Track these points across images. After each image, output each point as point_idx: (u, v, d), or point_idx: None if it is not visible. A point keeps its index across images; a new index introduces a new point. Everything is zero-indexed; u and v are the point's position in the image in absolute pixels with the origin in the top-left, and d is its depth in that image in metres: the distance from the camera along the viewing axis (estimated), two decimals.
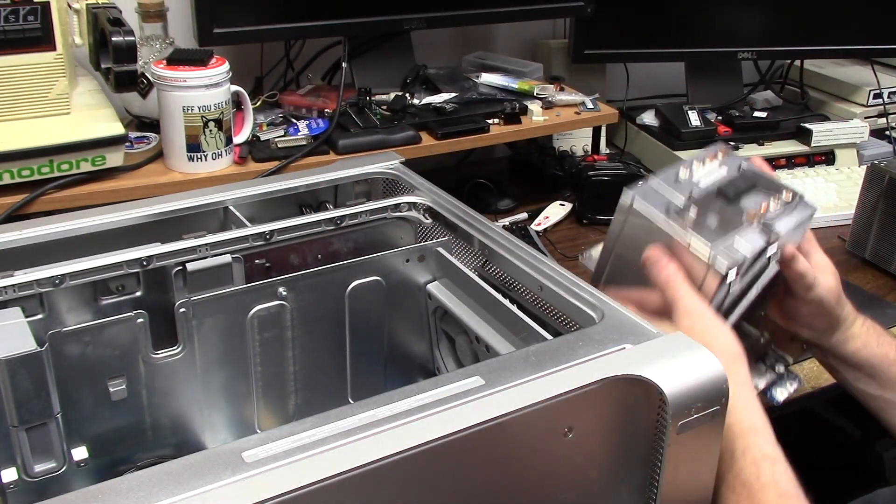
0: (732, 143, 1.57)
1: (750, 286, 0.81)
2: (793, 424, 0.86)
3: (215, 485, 0.49)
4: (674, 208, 0.76)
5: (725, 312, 0.79)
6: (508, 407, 0.55)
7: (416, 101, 1.37)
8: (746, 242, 0.74)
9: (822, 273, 0.81)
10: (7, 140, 1.04)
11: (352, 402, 0.77)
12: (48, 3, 1.04)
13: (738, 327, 0.84)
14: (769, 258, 0.78)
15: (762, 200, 0.78)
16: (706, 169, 0.80)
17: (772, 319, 0.87)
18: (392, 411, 0.55)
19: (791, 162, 1.60)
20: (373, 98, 1.35)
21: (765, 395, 0.85)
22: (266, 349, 0.82)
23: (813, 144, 1.59)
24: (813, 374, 0.95)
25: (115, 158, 1.11)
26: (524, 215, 1.43)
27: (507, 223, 1.38)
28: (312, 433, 0.53)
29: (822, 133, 1.60)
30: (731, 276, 0.73)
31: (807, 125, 1.61)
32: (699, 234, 0.74)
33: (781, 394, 0.85)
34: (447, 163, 1.56)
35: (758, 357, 0.85)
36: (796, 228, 0.78)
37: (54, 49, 1.06)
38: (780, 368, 0.85)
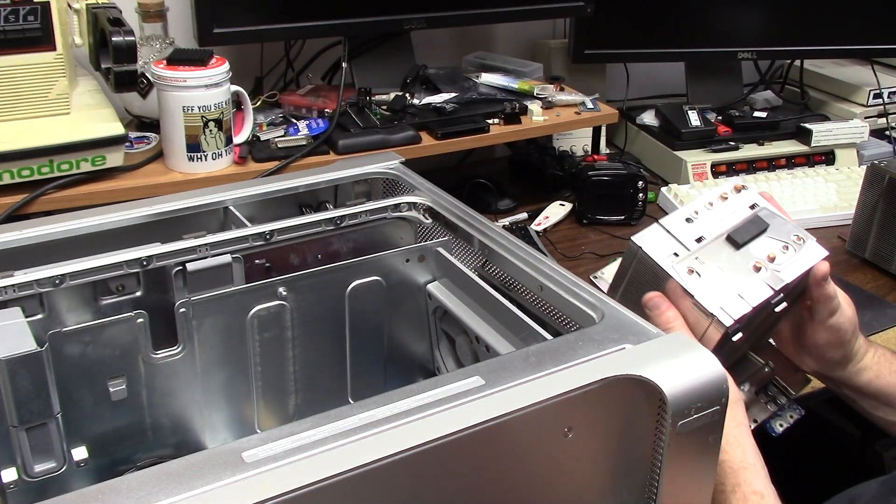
0: (732, 143, 1.57)
1: (754, 333, 0.81)
2: (793, 425, 0.86)
3: (215, 485, 0.49)
4: (682, 254, 0.76)
5: (727, 354, 0.79)
6: (508, 407, 0.55)
7: (416, 101, 1.37)
8: (751, 294, 0.74)
9: (844, 301, 0.81)
10: (7, 140, 1.04)
11: (352, 402, 0.77)
12: (48, 3, 1.04)
13: (742, 357, 0.84)
14: (774, 306, 0.78)
15: (771, 247, 0.77)
16: (716, 210, 0.80)
17: (777, 350, 0.87)
18: (392, 411, 0.55)
19: (791, 162, 1.60)
20: (373, 98, 1.35)
21: (764, 426, 0.85)
22: (266, 349, 0.82)
23: (813, 144, 1.59)
24: None
25: (115, 158, 1.11)
26: (524, 215, 1.43)
27: (507, 223, 1.38)
28: (312, 433, 0.53)
29: (822, 133, 1.60)
30: (734, 329, 0.74)
31: (807, 125, 1.61)
32: (705, 284, 0.75)
33: (781, 425, 0.85)
34: (447, 163, 1.56)
35: (759, 388, 0.85)
36: (805, 273, 0.78)
37: (54, 49, 1.06)
38: (782, 400, 0.85)
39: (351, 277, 0.84)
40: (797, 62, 1.79)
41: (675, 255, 0.76)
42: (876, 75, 1.72)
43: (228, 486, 0.49)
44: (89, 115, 1.11)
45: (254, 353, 0.81)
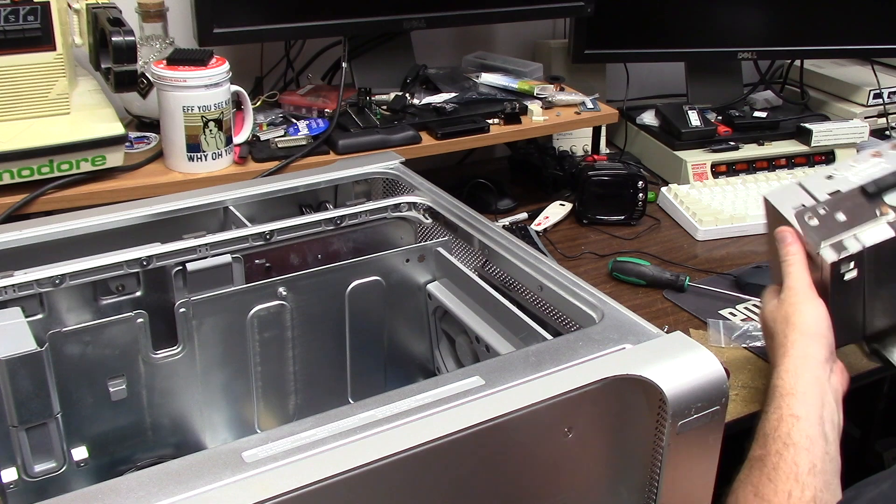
0: (732, 143, 1.57)
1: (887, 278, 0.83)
2: None
3: (215, 485, 0.49)
4: (808, 204, 0.82)
5: (868, 298, 0.81)
6: (508, 407, 0.55)
7: (416, 101, 1.37)
8: (869, 235, 0.78)
9: None
10: (7, 140, 1.04)
11: (352, 402, 0.77)
12: (48, 3, 1.04)
13: None
14: None
15: None
16: (863, 167, 0.85)
17: None
18: (392, 411, 0.55)
19: (791, 162, 1.60)
20: (373, 98, 1.35)
21: None
22: (266, 349, 0.82)
23: (813, 144, 1.59)
24: None
25: (115, 158, 1.10)
26: (524, 215, 1.43)
27: (507, 223, 1.38)
28: (312, 433, 0.53)
29: (822, 133, 1.59)
30: (844, 266, 0.78)
31: (807, 125, 1.60)
32: (820, 228, 0.80)
33: None
34: (447, 163, 1.56)
35: None
36: None
37: (54, 49, 1.06)
38: None
39: (351, 277, 0.84)
40: (797, 62, 1.79)
41: (803, 205, 0.82)
42: (876, 75, 1.72)
43: (228, 486, 0.49)
44: (89, 115, 1.11)
45: (254, 353, 0.81)
